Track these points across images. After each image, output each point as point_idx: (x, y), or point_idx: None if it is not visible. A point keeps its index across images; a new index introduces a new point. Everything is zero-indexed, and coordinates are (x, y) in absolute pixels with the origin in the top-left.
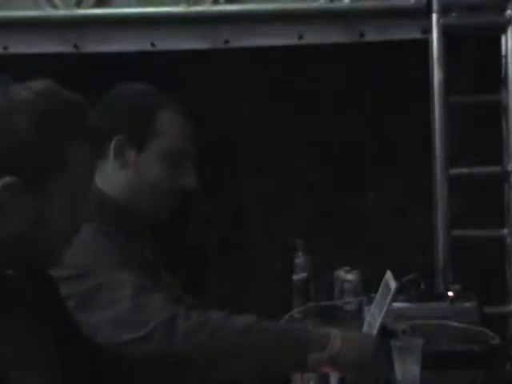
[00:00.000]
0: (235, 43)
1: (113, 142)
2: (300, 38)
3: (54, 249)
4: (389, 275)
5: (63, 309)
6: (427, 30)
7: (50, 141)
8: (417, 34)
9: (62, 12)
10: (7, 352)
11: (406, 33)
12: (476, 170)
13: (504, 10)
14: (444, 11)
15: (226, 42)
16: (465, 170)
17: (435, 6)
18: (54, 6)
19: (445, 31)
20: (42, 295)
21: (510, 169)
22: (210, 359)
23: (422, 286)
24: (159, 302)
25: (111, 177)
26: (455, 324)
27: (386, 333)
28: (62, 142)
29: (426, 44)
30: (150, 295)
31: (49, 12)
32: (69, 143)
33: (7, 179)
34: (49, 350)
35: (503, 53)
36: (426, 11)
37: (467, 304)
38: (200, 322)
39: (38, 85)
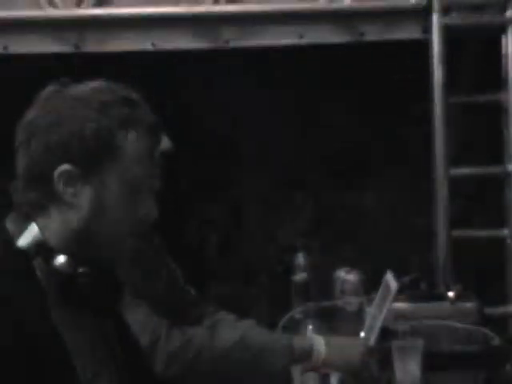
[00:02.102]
0: (235, 43)
1: None
2: (300, 37)
3: (115, 244)
4: (389, 275)
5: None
6: (427, 30)
7: (100, 130)
8: (417, 34)
9: (62, 12)
10: (79, 352)
11: (406, 33)
12: (476, 169)
13: (504, 10)
14: (444, 11)
15: (226, 42)
16: (465, 170)
17: (435, 6)
18: (54, 6)
19: (445, 31)
20: (107, 294)
21: (510, 169)
22: (193, 380)
23: (423, 286)
24: (141, 323)
25: None
26: (455, 324)
27: (386, 333)
28: (112, 131)
29: (426, 44)
30: (132, 313)
31: (49, 12)
32: (120, 133)
33: (62, 167)
34: (115, 349)
35: (503, 53)
36: (427, 11)
37: (467, 304)
38: (181, 346)
39: (92, 83)
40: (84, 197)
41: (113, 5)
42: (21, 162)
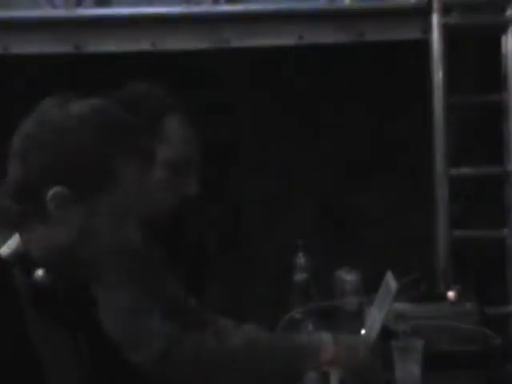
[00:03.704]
0: (235, 43)
1: None
2: (300, 37)
3: (97, 262)
4: (389, 276)
5: (98, 327)
6: (427, 30)
7: (100, 156)
8: (417, 34)
9: (62, 12)
10: (51, 364)
11: (406, 33)
12: (476, 169)
13: (504, 10)
14: (444, 11)
15: (227, 41)
16: (465, 170)
17: (435, 6)
18: (54, 6)
19: (445, 31)
20: (84, 311)
21: (510, 169)
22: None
23: (423, 286)
24: (155, 328)
25: None
26: (456, 324)
27: (386, 333)
28: (112, 158)
29: (426, 44)
30: (146, 318)
31: (49, 12)
32: (119, 161)
33: (57, 189)
34: (86, 365)
35: (503, 53)
36: (427, 11)
37: (467, 304)
38: (194, 351)
39: (96, 103)
40: (74, 219)
41: (113, 5)
42: (14, 172)
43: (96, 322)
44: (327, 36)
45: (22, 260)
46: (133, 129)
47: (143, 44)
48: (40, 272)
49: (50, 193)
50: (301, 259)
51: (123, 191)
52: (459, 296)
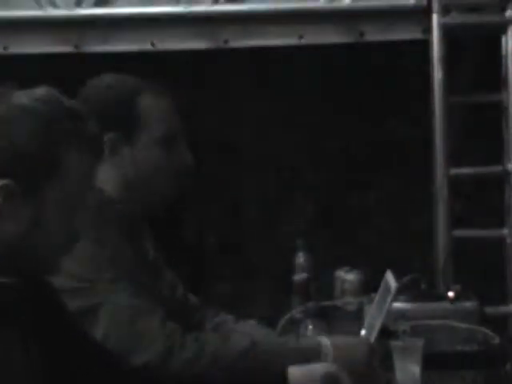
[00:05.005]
0: (235, 43)
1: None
2: (300, 37)
3: (50, 255)
4: (389, 275)
5: (62, 318)
6: (427, 30)
7: (46, 145)
8: (417, 34)
9: (62, 12)
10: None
11: (406, 33)
12: (476, 169)
13: (504, 10)
14: (444, 11)
15: (226, 41)
16: (465, 170)
17: (435, 6)
18: (55, 6)
19: (445, 31)
20: (35, 305)
21: (509, 169)
22: None
23: (423, 286)
24: (155, 329)
25: (110, 176)
26: (455, 324)
27: (386, 333)
28: (57, 147)
29: (426, 44)
30: (146, 320)
31: (49, 12)
32: (64, 149)
33: (3, 182)
34: (33, 363)
35: (503, 53)
36: (427, 11)
37: (467, 304)
38: (196, 352)
39: (39, 91)
40: (22, 212)
41: (113, 5)
42: None
43: (51, 327)
44: (327, 36)
45: None
46: (78, 117)
47: (143, 44)
48: None
49: None
50: (301, 259)
51: (70, 180)
52: (459, 296)
